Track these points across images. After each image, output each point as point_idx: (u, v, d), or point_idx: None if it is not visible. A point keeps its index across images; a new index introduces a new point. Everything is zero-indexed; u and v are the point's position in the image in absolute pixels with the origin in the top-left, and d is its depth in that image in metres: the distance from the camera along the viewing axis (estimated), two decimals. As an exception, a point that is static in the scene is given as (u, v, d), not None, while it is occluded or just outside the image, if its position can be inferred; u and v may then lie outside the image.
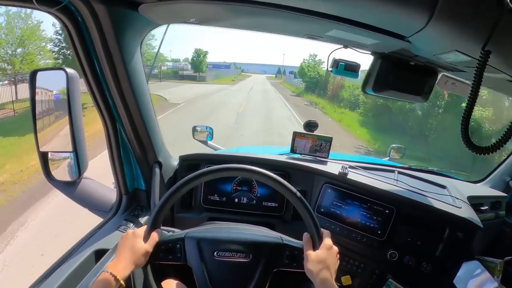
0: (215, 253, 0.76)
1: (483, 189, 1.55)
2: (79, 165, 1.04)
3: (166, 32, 1.22)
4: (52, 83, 1.08)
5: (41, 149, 1.04)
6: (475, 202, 1.33)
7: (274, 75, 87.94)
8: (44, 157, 1.06)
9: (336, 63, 0.98)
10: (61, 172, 1.12)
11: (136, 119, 1.00)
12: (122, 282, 0.71)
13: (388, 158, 1.93)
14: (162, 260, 0.78)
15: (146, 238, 0.76)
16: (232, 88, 28.93)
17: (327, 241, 0.76)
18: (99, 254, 0.95)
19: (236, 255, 0.76)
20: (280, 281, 0.87)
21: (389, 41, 0.80)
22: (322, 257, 0.73)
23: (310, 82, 26.68)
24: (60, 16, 0.79)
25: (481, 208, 1.35)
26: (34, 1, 0.66)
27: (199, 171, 0.78)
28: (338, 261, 0.78)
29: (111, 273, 0.70)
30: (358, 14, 0.68)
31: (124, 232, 0.99)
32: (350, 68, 0.98)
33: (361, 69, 1.03)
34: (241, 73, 78.71)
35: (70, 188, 1.11)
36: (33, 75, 0.97)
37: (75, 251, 0.95)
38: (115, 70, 0.88)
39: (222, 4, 0.70)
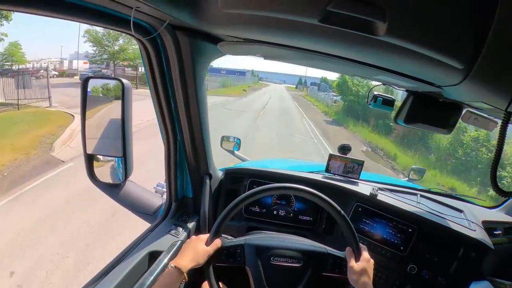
0: (271, 258, 0.90)
1: (498, 215, 1.63)
2: (126, 169, 1.11)
3: None
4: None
5: (88, 152, 1.10)
6: (489, 226, 1.42)
7: (294, 86, 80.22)
8: (89, 160, 1.12)
9: (375, 98, 1.11)
10: (103, 173, 1.18)
11: (197, 135, 1.10)
12: (185, 274, 0.83)
13: (407, 179, 2.06)
14: (223, 262, 0.92)
15: (209, 242, 0.91)
16: (236, 104, 18.39)
17: (366, 254, 0.90)
18: (153, 255, 1.03)
19: (290, 260, 0.90)
20: (323, 285, 0.99)
21: (423, 86, 0.91)
22: (363, 268, 0.87)
23: (356, 103, 16.99)
24: (145, 42, 0.87)
25: (495, 232, 1.44)
26: (132, 31, 0.74)
27: (261, 187, 0.93)
28: (373, 271, 0.91)
29: (175, 267, 0.83)
30: (400, 67, 0.79)
31: (175, 236, 1.13)
32: (387, 103, 1.12)
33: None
34: (258, 82, 74.61)
35: (114, 190, 1.19)
36: (85, 81, 1.04)
37: (130, 252, 1.01)
38: (186, 92, 0.98)
39: (286, 49, 0.80)
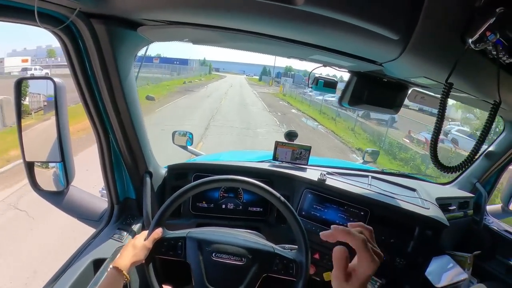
0: (213, 254, 0.85)
1: (452, 191, 1.67)
2: (66, 175, 1.05)
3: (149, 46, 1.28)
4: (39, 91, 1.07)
5: (27, 159, 1.03)
6: (443, 203, 1.45)
7: (257, 77, 64.78)
8: (30, 167, 1.05)
9: (316, 80, 1.08)
10: (47, 181, 1.11)
11: (129, 131, 1.04)
12: (125, 273, 0.79)
13: (362, 161, 2.09)
14: (163, 255, 0.87)
15: (147, 236, 0.86)
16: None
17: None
18: (97, 263, 0.98)
19: (232, 257, 0.86)
20: (267, 285, 0.95)
21: (364, 65, 0.89)
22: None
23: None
24: (60, 35, 0.80)
25: (449, 208, 1.47)
26: (37, 20, 0.68)
27: (200, 180, 0.88)
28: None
29: (114, 267, 0.79)
30: (337, 44, 0.76)
31: (119, 241, 1.07)
32: (329, 85, 1.09)
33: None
34: (209, 73, 57.48)
35: (57, 198, 1.12)
36: (18, 84, 0.96)
37: (73, 261, 0.97)
38: (110, 85, 0.91)
39: (214, 30, 0.76)
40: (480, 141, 0.66)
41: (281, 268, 0.87)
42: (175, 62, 39.80)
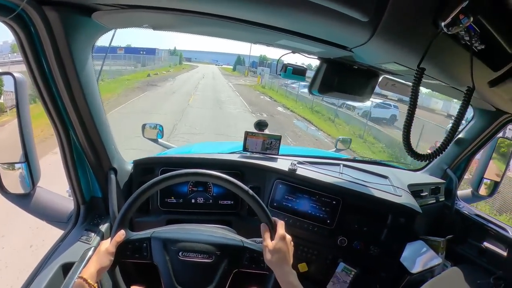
0: (180, 253, 0.81)
1: (423, 177, 1.71)
2: (32, 176, 1.01)
3: (114, 35, 1.22)
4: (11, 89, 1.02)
5: None
6: (415, 189, 1.47)
7: (231, 67, 60.91)
8: None
9: (285, 67, 1.06)
10: (14, 184, 1.06)
11: (89, 126, 0.99)
12: (93, 283, 0.74)
13: (334, 149, 2.09)
14: (128, 258, 0.82)
15: (110, 240, 0.81)
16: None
17: (281, 231, 0.83)
18: (66, 268, 0.95)
19: (200, 255, 0.82)
20: (240, 281, 0.93)
21: (334, 50, 0.87)
22: (277, 246, 0.80)
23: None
24: (12, 24, 0.76)
25: (421, 194, 1.50)
26: None
27: (159, 177, 0.83)
28: (293, 248, 0.85)
29: (81, 277, 0.74)
30: (305, 28, 0.74)
31: (86, 243, 1.03)
32: (298, 72, 1.07)
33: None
34: (182, 64, 53.44)
35: (24, 200, 1.08)
36: None
37: (42, 267, 0.93)
38: (66, 77, 0.87)
39: (174, 14, 0.72)
40: (454, 128, 0.66)
41: (252, 262, 0.84)
42: (141, 52, 34.30)
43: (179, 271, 0.81)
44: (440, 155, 0.69)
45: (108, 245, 0.80)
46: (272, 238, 0.82)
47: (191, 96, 14.55)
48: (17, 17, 0.73)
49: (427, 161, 1.76)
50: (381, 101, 14.81)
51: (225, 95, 17.20)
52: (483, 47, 0.58)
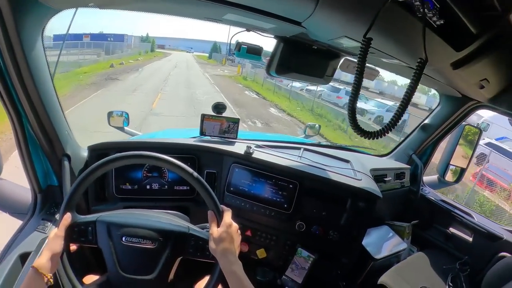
0: (123, 238, 0.79)
1: (388, 162, 1.72)
2: None
3: (74, 18, 1.17)
4: None
5: None
6: (378, 173, 1.47)
7: (206, 55, 57.53)
8: None
9: (239, 46, 1.02)
10: None
11: (40, 111, 0.96)
12: (46, 274, 0.71)
13: (304, 135, 2.08)
14: (74, 242, 0.80)
15: (58, 224, 0.78)
16: None
17: (227, 219, 0.80)
18: (24, 258, 0.93)
19: (143, 241, 0.79)
20: (189, 269, 0.91)
21: (286, 26, 0.84)
22: (223, 235, 0.77)
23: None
24: None
25: (385, 179, 1.50)
26: None
27: (102, 160, 0.81)
28: (240, 237, 0.82)
29: (33, 267, 0.71)
30: (251, 1, 0.71)
31: (43, 232, 1.01)
32: (253, 51, 1.03)
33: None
34: (154, 51, 49.75)
35: None
36: None
37: (1, 258, 0.93)
38: (16, 62, 0.84)
39: None
40: (403, 106, 0.62)
41: (197, 250, 0.81)
42: (109, 39, 30.46)
43: (122, 256, 0.78)
44: (387, 134, 0.66)
45: (56, 230, 0.77)
46: (218, 226, 0.79)
47: (157, 95, 10.82)
48: None
49: (393, 148, 1.78)
50: (393, 103, 13.75)
51: (202, 92, 13.37)
52: (442, 22, 0.55)
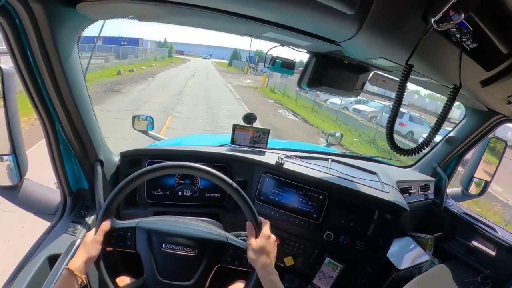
0: (163, 245, 0.81)
1: (412, 174, 1.71)
2: (19, 168, 1.01)
3: (103, 27, 1.21)
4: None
5: None
6: (404, 186, 1.48)
7: (226, 61, 55.06)
8: None
9: (273, 61, 1.05)
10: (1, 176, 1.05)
11: (74, 117, 0.99)
12: (80, 275, 0.74)
13: (326, 144, 2.11)
14: (113, 246, 0.82)
15: (95, 229, 0.81)
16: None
17: (266, 230, 0.83)
18: (53, 259, 0.94)
19: (183, 248, 0.82)
20: (222, 276, 0.93)
21: (322, 44, 0.86)
22: (262, 245, 0.80)
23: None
24: None
25: (410, 191, 1.50)
26: None
27: (142, 169, 0.83)
28: (276, 248, 0.85)
29: (67, 268, 0.74)
30: (291, 21, 0.73)
31: (73, 235, 1.03)
32: (287, 66, 1.06)
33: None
34: (172, 57, 48.63)
35: (11, 192, 1.07)
36: None
37: (28, 259, 0.93)
38: (52, 69, 0.86)
39: (160, 5, 0.72)
40: (438, 124, 0.65)
41: (235, 259, 0.84)
42: (122, 43, 28.48)
43: (161, 262, 0.81)
44: (424, 150, 0.69)
45: (95, 235, 0.80)
46: (256, 237, 0.82)
47: (166, 120, 7.90)
48: (2, 9, 0.73)
49: (418, 159, 1.77)
50: (417, 114, 13.00)
51: (227, 112, 10.26)
52: (475, 45, 0.57)
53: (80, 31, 0.91)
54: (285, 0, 0.56)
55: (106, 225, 0.82)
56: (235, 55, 53.36)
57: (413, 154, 0.68)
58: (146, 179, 0.86)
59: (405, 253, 1.54)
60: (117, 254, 1.25)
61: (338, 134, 2.08)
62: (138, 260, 0.84)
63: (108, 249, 0.83)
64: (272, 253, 0.82)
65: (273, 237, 0.84)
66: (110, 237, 0.82)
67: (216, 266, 0.84)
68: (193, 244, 0.83)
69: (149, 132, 1.84)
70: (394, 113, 0.66)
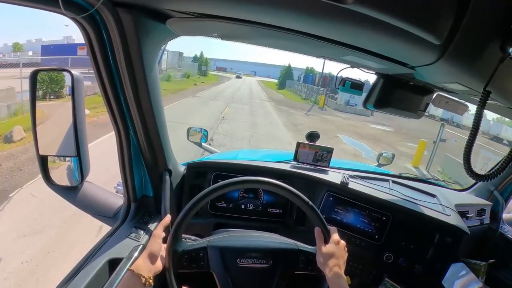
0: (238, 260, 0.84)
1: (469, 198, 1.66)
2: (81, 170, 1.03)
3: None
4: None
5: (41, 153, 1.00)
6: (462, 210, 1.44)
7: (274, 81, 44.56)
8: (43, 161, 1.03)
9: (343, 81, 1.06)
10: (59, 175, 1.09)
11: (151, 128, 1.01)
12: (147, 278, 0.76)
13: (377, 164, 2.08)
14: (186, 268, 0.84)
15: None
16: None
17: (335, 236, 0.85)
18: (113, 263, 0.95)
19: (258, 261, 0.84)
20: (294, 284, 0.94)
21: (395, 67, 0.86)
22: (331, 250, 0.82)
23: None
24: (82, 23, 0.77)
25: (467, 215, 1.46)
26: (61, 8, 0.65)
27: (222, 182, 0.85)
28: (346, 253, 0.86)
29: (131, 270, 0.76)
30: (372, 45, 0.73)
31: (135, 240, 1.03)
32: (356, 87, 1.07)
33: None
34: (208, 75, 40.53)
35: (71, 193, 1.10)
36: (33, 75, 0.93)
37: (88, 260, 0.93)
38: (134, 78, 0.88)
39: (245, 25, 0.73)
40: None
41: (308, 264, 0.86)
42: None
43: (237, 277, 0.83)
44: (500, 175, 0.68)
45: (155, 230, 0.86)
46: (326, 242, 0.84)
47: None
48: (89, 16, 0.75)
49: (474, 182, 1.71)
50: None
51: None
52: None
53: (163, 44, 0.94)
54: (375, 27, 0.57)
55: (166, 220, 0.88)
56: (288, 73, 37.96)
57: (490, 179, 0.67)
58: (224, 191, 0.88)
59: (457, 279, 1.48)
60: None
61: (389, 155, 2.06)
62: (200, 275, 0.85)
63: (181, 271, 0.84)
64: (342, 258, 0.83)
65: (342, 242, 0.85)
66: (181, 260, 0.83)
67: (291, 274, 0.86)
68: (266, 255, 0.85)
69: (203, 144, 1.89)
70: (472, 138, 0.66)
